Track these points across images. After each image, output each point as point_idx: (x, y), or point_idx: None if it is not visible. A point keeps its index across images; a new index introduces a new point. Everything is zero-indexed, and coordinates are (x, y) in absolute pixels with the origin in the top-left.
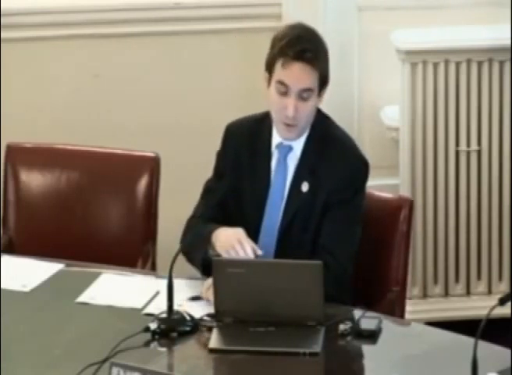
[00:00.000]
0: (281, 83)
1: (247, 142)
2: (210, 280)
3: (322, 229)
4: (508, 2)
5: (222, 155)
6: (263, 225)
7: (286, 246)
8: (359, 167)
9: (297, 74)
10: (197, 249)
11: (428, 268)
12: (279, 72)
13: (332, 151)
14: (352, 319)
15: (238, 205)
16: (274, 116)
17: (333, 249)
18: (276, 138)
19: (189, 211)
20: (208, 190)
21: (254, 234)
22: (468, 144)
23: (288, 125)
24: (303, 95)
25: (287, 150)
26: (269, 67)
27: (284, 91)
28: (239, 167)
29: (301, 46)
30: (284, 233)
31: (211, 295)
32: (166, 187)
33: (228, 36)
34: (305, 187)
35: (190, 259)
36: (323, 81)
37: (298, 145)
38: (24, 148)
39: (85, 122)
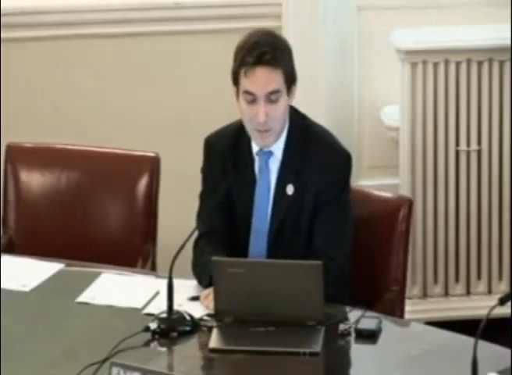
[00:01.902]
0: (247, 92)
1: (229, 152)
2: (208, 289)
3: (315, 230)
4: (508, 2)
5: (208, 169)
6: (252, 231)
7: (277, 250)
8: (342, 163)
9: (260, 79)
10: (204, 274)
11: (428, 268)
12: (244, 82)
13: (313, 150)
14: (352, 319)
15: (228, 215)
16: (247, 126)
17: (330, 251)
18: (256, 146)
19: (189, 211)
20: (205, 205)
21: (244, 242)
22: (468, 144)
23: (262, 132)
24: (271, 98)
25: (268, 155)
26: (235, 80)
27: (252, 99)
28: (225, 177)
29: (259, 50)
30: (275, 238)
31: (210, 303)
32: (166, 187)
33: (228, 36)
34: (290, 189)
35: (200, 282)
36: (290, 79)
37: (278, 149)
38: (24, 148)
39: (85, 122)
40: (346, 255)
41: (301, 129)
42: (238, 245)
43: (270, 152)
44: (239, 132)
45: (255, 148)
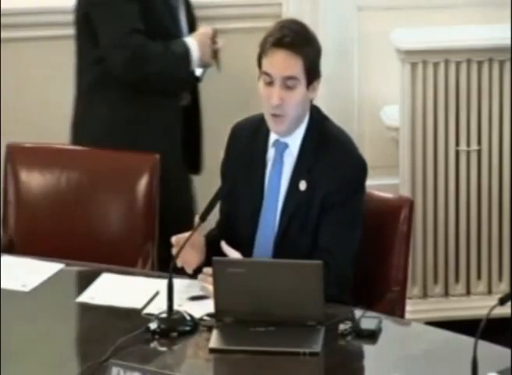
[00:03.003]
0: (265, 73)
1: (248, 141)
2: (209, 269)
3: (321, 230)
4: (508, 2)
5: (224, 160)
6: (260, 223)
7: (284, 246)
8: (357, 168)
9: (278, 61)
10: None
11: (428, 268)
12: (264, 62)
13: (329, 151)
14: (352, 319)
15: (234, 206)
16: (264, 109)
17: (333, 250)
18: (273, 136)
19: None
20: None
21: (250, 234)
22: (468, 144)
23: (275, 116)
24: (287, 84)
25: (283, 147)
26: (259, 63)
27: (269, 81)
28: (238, 167)
29: (281, 33)
30: (282, 233)
31: (211, 284)
32: None
33: (228, 36)
34: (303, 185)
35: None
36: (310, 71)
37: (294, 143)
38: (24, 148)
39: None
40: (348, 256)
41: (321, 129)
42: (243, 236)
43: (285, 144)
44: (262, 122)
45: (272, 138)
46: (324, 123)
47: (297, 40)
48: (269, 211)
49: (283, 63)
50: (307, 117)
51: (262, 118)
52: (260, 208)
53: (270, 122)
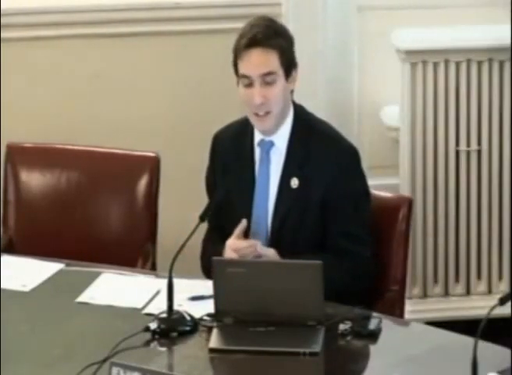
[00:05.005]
0: (243, 76)
1: (232, 145)
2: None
3: (330, 228)
4: (508, 2)
5: (210, 170)
6: (252, 222)
7: (279, 244)
8: (349, 155)
9: (254, 61)
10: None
11: (428, 268)
12: (240, 66)
13: (318, 145)
14: (352, 319)
15: (228, 209)
16: (247, 112)
17: (353, 248)
18: (258, 136)
19: (189, 211)
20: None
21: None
22: (468, 144)
23: (260, 115)
24: (266, 80)
25: (269, 145)
26: (235, 68)
27: (248, 82)
28: (227, 172)
29: (252, 33)
30: (277, 231)
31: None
32: (166, 187)
33: (228, 36)
34: (295, 183)
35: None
36: (287, 62)
37: (280, 140)
38: (24, 148)
39: (85, 122)
40: (367, 246)
41: (306, 124)
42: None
43: (271, 142)
44: (244, 126)
45: (257, 138)
46: (308, 117)
47: (269, 34)
48: (260, 211)
49: (260, 61)
50: (292, 114)
51: (244, 121)
52: (251, 208)
53: (255, 121)
